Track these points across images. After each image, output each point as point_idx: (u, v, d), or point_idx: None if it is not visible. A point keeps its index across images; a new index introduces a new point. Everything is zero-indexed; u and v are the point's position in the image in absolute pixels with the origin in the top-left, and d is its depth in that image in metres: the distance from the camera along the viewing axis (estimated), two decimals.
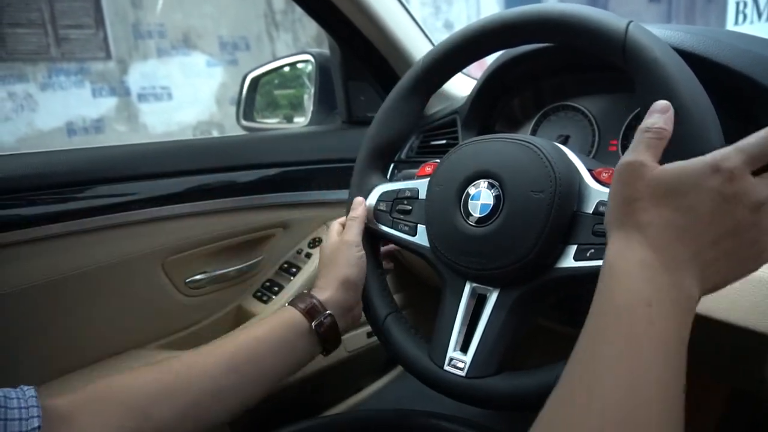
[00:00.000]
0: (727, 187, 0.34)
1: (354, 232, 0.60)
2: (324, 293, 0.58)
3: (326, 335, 0.56)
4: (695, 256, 0.35)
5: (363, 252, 0.60)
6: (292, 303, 0.57)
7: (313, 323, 0.55)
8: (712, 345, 0.69)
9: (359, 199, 0.63)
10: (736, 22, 6.31)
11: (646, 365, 0.33)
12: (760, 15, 6.11)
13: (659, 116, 0.40)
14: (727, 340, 0.64)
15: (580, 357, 0.36)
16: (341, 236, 0.61)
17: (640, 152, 0.38)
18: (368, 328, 0.88)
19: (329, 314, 0.56)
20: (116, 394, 0.47)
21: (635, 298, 0.35)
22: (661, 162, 0.38)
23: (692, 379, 0.43)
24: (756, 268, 0.37)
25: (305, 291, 0.59)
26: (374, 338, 0.61)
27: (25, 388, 0.42)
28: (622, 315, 0.35)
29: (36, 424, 0.40)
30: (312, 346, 0.56)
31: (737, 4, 6.31)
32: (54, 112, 5.97)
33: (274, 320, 0.56)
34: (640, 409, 0.32)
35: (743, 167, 0.35)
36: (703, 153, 0.41)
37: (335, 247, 0.60)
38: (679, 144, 0.43)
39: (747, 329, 0.55)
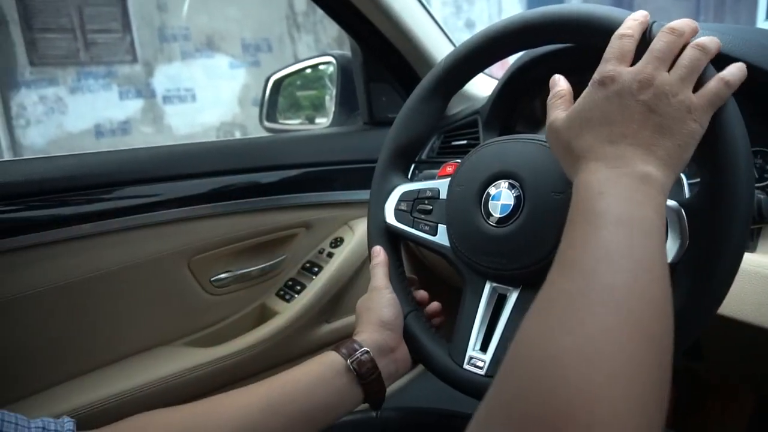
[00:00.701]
0: (611, 87, 0.41)
1: (380, 278, 0.60)
2: (361, 336, 0.56)
3: (365, 375, 0.53)
4: (627, 141, 0.40)
5: (394, 294, 0.59)
6: (333, 347, 0.55)
7: (349, 360, 0.53)
8: (741, 350, 0.68)
9: (377, 248, 0.62)
10: (767, 17, 6.14)
11: (614, 246, 0.34)
12: None
13: (556, 83, 0.49)
14: (756, 344, 0.63)
15: (559, 259, 0.37)
16: (370, 285, 0.61)
17: (551, 115, 0.46)
18: None
19: (366, 351, 0.54)
20: (154, 429, 0.47)
21: (589, 194, 0.38)
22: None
23: (721, 384, 0.43)
24: (687, 130, 0.40)
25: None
26: None
27: (66, 420, 0.43)
28: (587, 215, 0.37)
29: None
30: (352, 387, 0.53)
31: None
32: (83, 114, 6.13)
33: (313, 361, 0.54)
34: (615, 276, 0.33)
35: (613, 68, 0.42)
36: (729, 149, 0.41)
37: (366, 297, 0.60)
38: (703, 144, 0.43)
39: None
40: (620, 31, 0.44)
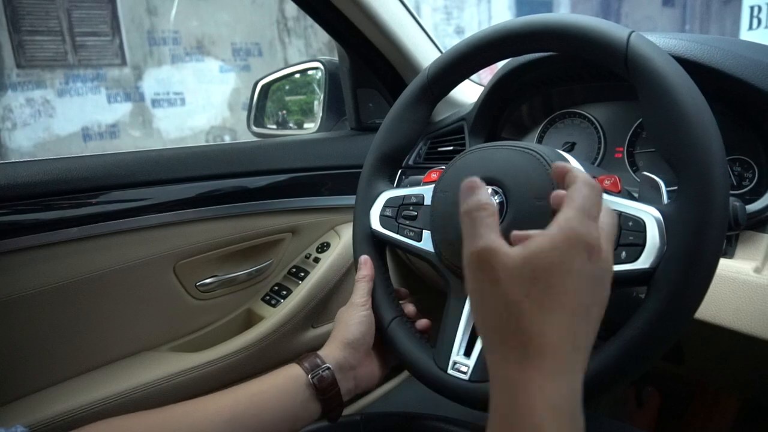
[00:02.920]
0: (590, 263, 0.34)
1: (360, 293, 0.61)
2: (326, 350, 0.58)
3: (325, 391, 0.55)
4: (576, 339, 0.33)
5: (369, 312, 0.60)
6: (298, 361, 0.58)
7: (310, 375, 0.55)
8: (721, 354, 0.69)
9: (364, 257, 0.63)
10: (750, 27, 6.26)
11: None
12: None
13: (474, 196, 0.36)
14: (735, 348, 0.64)
15: None
16: (350, 298, 0.62)
17: (480, 237, 0.34)
18: None
19: (327, 367, 0.56)
20: None
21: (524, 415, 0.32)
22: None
23: (705, 389, 0.44)
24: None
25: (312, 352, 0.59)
26: None
27: (20, 429, 0.43)
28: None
29: None
30: (311, 401, 0.55)
31: (751, 8, 6.26)
32: (70, 117, 6.08)
33: (277, 374, 0.57)
34: None
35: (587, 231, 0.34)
36: (704, 158, 0.42)
37: (344, 309, 0.62)
38: (680, 153, 0.44)
39: (753, 337, 0.55)
40: None
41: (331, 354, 0.58)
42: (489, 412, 0.35)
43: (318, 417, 0.57)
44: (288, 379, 0.55)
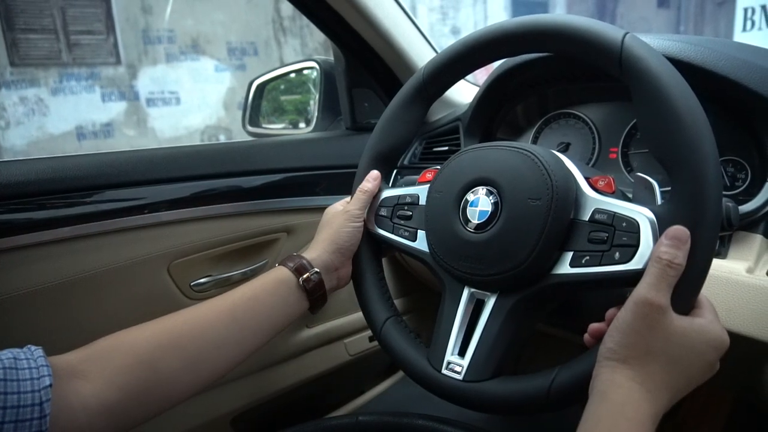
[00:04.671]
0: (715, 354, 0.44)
1: (358, 205, 0.63)
2: (312, 253, 0.62)
3: (313, 291, 0.61)
4: (672, 387, 0.42)
5: (361, 224, 0.63)
6: (282, 263, 0.62)
7: (300, 279, 0.60)
8: None
9: (375, 173, 0.65)
10: (744, 29, 6.30)
11: None
12: None
13: (681, 253, 0.42)
14: (728, 348, 0.65)
15: None
16: (346, 206, 0.64)
17: (660, 291, 0.42)
18: (370, 332, 0.89)
19: (316, 271, 0.61)
20: (125, 346, 0.50)
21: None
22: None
23: (697, 389, 0.44)
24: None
25: (295, 253, 0.63)
26: (376, 342, 0.62)
27: (33, 348, 0.44)
28: None
29: (47, 383, 0.41)
30: (301, 300, 0.61)
31: (745, 10, 6.30)
32: (64, 116, 6.05)
33: (267, 277, 0.61)
34: None
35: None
36: (697, 159, 0.42)
37: (336, 213, 0.64)
38: (673, 154, 0.44)
39: (746, 337, 0.55)
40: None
41: (319, 257, 0.62)
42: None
43: (305, 310, 0.62)
44: (279, 283, 0.60)
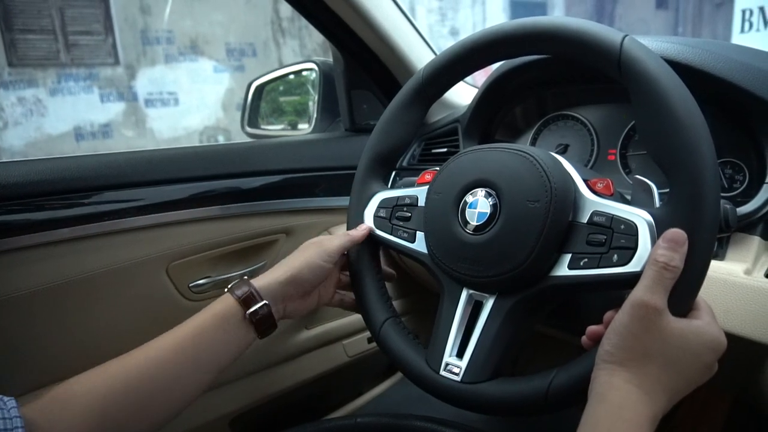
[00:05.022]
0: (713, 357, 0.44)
1: (337, 243, 0.61)
2: (264, 280, 0.59)
3: (260, 323, 0.58)
4: (669, 389, 0.43)
5: (332, 266, 0.61)
6: (230, 290, 0.59)
7: (247, 312, 0.57)
8: None
9: (365, 226, 0.63)
10: (742, 30, 6.31)
11: None
12: (766, 23, 6.11)
13: (678, 256, 0.42)
14: (726, 349, 0.65)
15: None
16: (326, 242, 0.62)
17: (657, 293, 0.42)
18: (369, 333, 0.89)
19: (265, 304, 0.58)
20: (76, 397, 0.50)
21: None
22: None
23: (695, 391, 0.44)
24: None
25: (245, 277, 0.61)
26: (375, 343, 0.62)
27: (5, 399, 0.44)
28: None
29: None
30: (248, 333, 0.58)
31: (743, 12, 6.31)
32: (63, 116, 6.04)
33: (214, 309, 0.58)
34: None
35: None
36: (694, 161, 0.42)
37: (312, 244, 0.62)
38: (671, 156, 0.44)
39: (744, 338, 0.55)
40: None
41: (269, 287, 0.59)
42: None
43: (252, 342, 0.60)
44: (225, 316, 0.57)
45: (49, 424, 0.47)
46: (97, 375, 0.53)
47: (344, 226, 0.67)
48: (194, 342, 0.56)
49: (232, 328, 0.57)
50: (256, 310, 0.57)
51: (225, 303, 0.58)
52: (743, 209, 0.59)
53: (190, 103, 6.71)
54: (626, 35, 0.48)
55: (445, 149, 0.88)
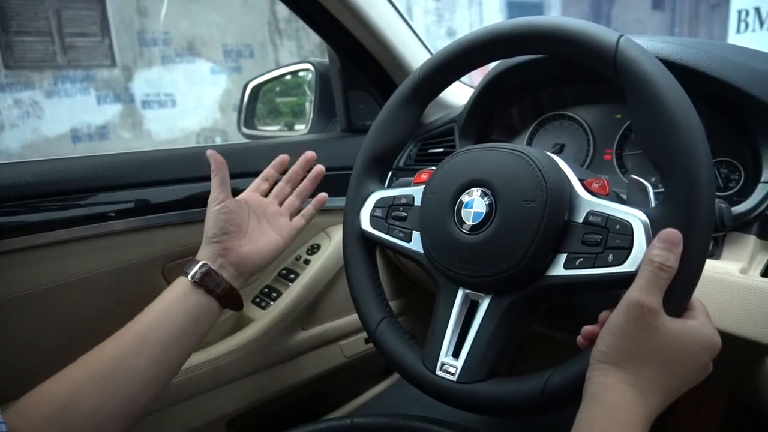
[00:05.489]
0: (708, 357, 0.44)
1: (214, 191, 0.66)
2: (199, 253, 0.65)
3: (208, 284, 0.62)
4: (664, 390, 0.43)
5: (222, 204, 0.65)
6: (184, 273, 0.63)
7: (190, 277, 0.61)
8: None
9: (210, 152, 0.67)
10: (738, 31, 6.33)
11: None
12: (761, 23, 6.13)
13: (673, 256, 0.42)
14: (722, 348, 0.65)
15: None
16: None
17: (652, 294, 0.42)
18: (366, 334, 0.89)
19: (202, 263, 0.62)
20: (45, 397, 0.52)
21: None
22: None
23: (690, 390, 0.44)
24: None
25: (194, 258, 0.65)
26: (372, 344, 0.62)
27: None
28: None
29: None
30: (204, 298, 0.62)
31: (739, 12, 6.33)
32: (59, 118, 6.02)
33: (168, 289, 0.62)
34: None
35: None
36: (689, 161, 0.42)
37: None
38: (666, 156, 0.44)
39: (740, 337, 0.56)
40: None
41: (201, 252, 0.65)
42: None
43: (220, 311, 0.64)
44: (176, 290, 0.61)
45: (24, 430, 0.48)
46: (67, 372, 0.54)
47: (340, 228, 0.67)
48: (156, 325, 0.59)
49: (183, 297, 0.60)
50: (195, 272, 0.61)
51: (176, 281, 0.62)
52: (739, 208, 0.59)
53: (187, 104, 6.70)
54: (622, 35, 0.48)
55: (441, 149, 0.88)
